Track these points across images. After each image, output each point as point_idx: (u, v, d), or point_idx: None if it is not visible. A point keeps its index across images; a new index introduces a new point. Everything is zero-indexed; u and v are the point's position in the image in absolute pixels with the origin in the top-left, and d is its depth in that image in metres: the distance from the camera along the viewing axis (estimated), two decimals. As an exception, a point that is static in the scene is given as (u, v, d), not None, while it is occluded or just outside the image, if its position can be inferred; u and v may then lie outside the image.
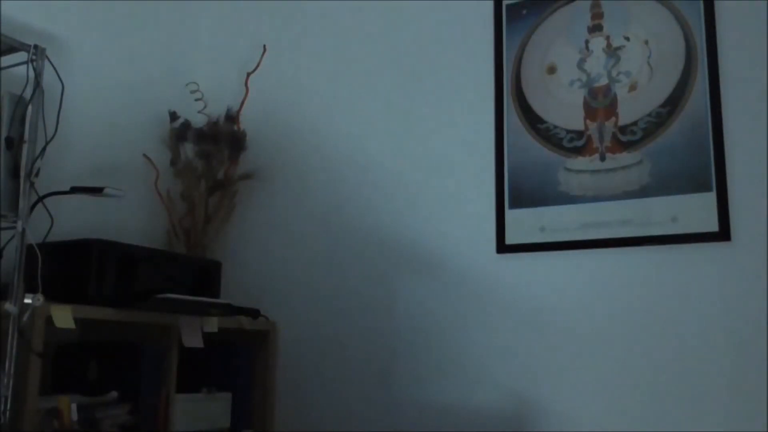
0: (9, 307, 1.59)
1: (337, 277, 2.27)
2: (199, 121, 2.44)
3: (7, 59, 1.80)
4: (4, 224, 1.67)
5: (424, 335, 2.09)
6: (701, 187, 1.78)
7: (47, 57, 1.78)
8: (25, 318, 1.60)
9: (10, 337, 1.58)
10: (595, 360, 1.85)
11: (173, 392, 1.92)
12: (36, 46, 1.75)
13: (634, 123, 1.90)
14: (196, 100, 2.53)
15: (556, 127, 2.00)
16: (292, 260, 2.36)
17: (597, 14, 2.00)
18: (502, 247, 2.01)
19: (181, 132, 2.38)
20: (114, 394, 1.82)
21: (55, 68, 1.85)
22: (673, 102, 1.86)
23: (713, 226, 1.75)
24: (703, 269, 1.76)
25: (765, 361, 1.66)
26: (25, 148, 1.71)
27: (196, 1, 2.69)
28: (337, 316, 2.24)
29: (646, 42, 1.92)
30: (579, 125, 1.97)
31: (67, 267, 1.82)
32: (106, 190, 1.88)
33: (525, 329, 1.95)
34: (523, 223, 1.99)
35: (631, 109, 1.91)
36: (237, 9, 2.67)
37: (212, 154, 2.36)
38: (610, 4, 1.98)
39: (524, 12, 2.10)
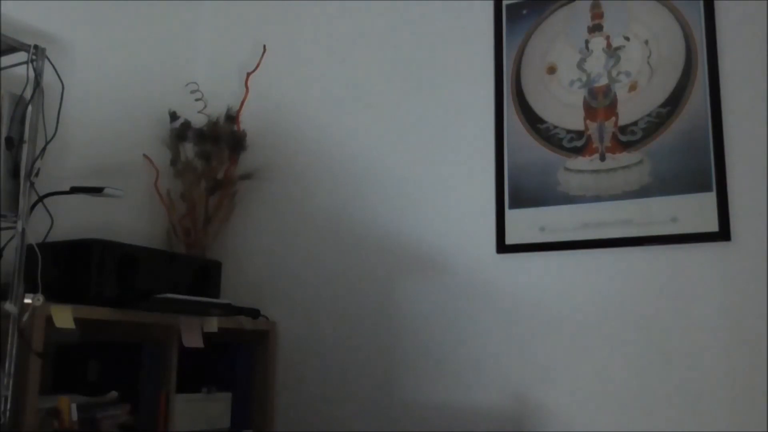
0: (9, 307, 1.59)
1: (337, 277, 2.27)
2: (199, 121, 2.45)
3: (7, 59, 1.80)
4: (4, 224, 1.67)
5: (424, 335, 2.09)
6: (701, 187, 1.78)
7: (47, 57, 1.78)
8: (25, 318, 1.60)
9: (10, 337, 1.58)
10: (595, 360, 1.85)
11: (173, 392, 1.92)
12: (36, 46, 1.75)
13: (634, 123, 1.90)
14: (196, 100, 2.53)
15: (556, 127, 2.00)
16: (292, 260, 2.36)
17: (597, 14, 2.00)
18: (502, 247, 2.01)
19: (181, 132, 2.39)
20: (114, 394, 1.82)
21: (55, 68, 1.85)
22: (673, 102, 1.86)
23: (713, 226, 1.75)
24: (703, 269, 1.76)
25: (765, 361, 1.66)
26: (25, 148, 1.71)
27: (196, 1, 2.69)
28: (337, 316, 2.24)
29: (646, 42, 1.92)
30: (579, 125, 1.97)
31: (67, 267, 1.82)
32: (106, 190, 1.88)
33: (525, 329, 1.95)
34: (523, 223, 1.99)
35: (631, 109, 1.91)
36: (237, 9, 2.67)
37: (212, 154, 2.37)
38: (610, 4, 1.98)
39: (524, 12, 2.10)
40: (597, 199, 1.90)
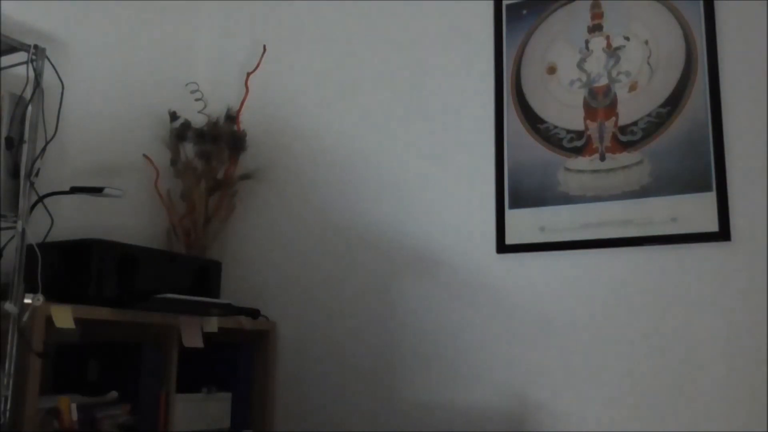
0: (9, 307, 1.59)
1: (337, 277, 2.27)
2: (199, 121, 2.44)
3: (7, 59, 1.80)
4: (4, 224, 1.67)
5: (424, 335, 2.09)
6: (701, 187, 1.78)
7: (47, 57, 1.78)
8: (25, 318, 1.60)
9: (10, 337, 1.59)
10: (594, 360, 1.85)
11: (173, 392, 1.92)
12: (36, 46, 1.76)
13: (634, 123, 1.90)
14: (196, 100, 2.53)
15: (556, 127, 2.00)
16: (292, 260, 2.36)
17: (597, 14, 2.00)
18: (502, 247, 2.01)
19: (181, 132, 2.38)
20: (114, 394, 1.82)
21: (55, 68, 1.85)
22: (673, 102, 1.86)
23: (713, 226, 1.75)
24: (703, 269, 1.76)
25: (765, 361, 1.66)
26: (25, 148, 1.71)
27: (196, 1, 2.69)
28: (337, 316, 2.24)
29: (646, 42, 1.92)
30: (579, 125, 1.97)
31: (67, 267, 1.82)
32: (106, 190, 1.88)
33: (525, 329, 1.95)
34: (523, 223, 1.99)
35: (631, 109, 1.91)
36: (237, 9, 2.68)
37: (212, 154, 2.36)
38: (610, 4, 1.98)
39: (524, 12, 2.10)
40: (597, 199, 1.90)
